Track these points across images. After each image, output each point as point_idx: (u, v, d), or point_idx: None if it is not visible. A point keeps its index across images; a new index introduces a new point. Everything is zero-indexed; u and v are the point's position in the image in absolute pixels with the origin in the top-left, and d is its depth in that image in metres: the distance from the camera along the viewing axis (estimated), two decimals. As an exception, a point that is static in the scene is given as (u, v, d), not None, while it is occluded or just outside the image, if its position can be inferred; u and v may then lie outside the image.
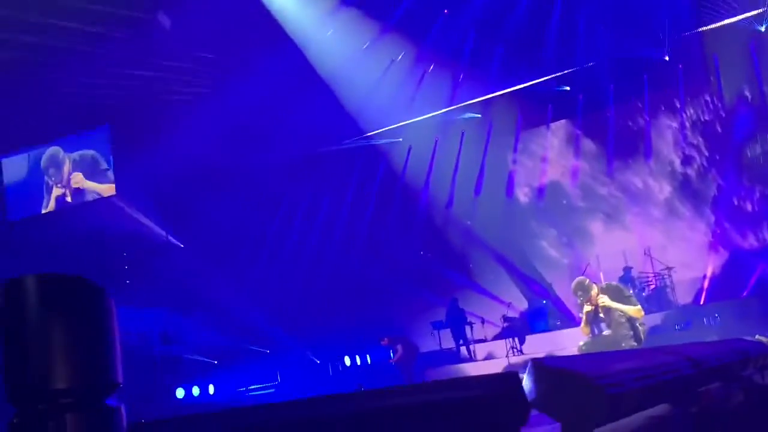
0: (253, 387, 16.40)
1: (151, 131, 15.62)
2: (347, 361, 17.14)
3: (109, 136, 16.06)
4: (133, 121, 15.87)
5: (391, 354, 15.35)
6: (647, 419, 2.59)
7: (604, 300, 7.85)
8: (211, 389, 15.33)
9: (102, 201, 16.10)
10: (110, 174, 15.97)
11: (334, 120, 17.88)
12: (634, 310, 7.87)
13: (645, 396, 2.50)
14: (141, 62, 15.05)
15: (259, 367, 16.69)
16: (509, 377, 1.74)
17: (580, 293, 8.08)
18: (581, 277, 8.35)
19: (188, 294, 16.07)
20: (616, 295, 7.96)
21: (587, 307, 7.98)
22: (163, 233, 17.50)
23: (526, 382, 2.00)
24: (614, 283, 8.49)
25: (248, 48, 15.46)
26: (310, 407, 1.39)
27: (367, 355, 17.32)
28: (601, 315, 7.93)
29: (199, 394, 15.01)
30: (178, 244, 17.90)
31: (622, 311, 7.82)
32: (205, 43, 15.14)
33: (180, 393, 14.74)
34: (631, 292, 8.70)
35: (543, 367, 2.05)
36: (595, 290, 7.99)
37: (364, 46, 16.86)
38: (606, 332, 7.90)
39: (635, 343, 7.75)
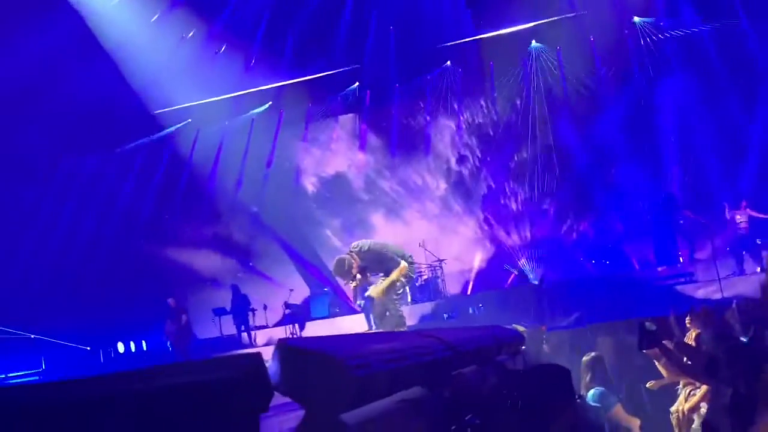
0: (12, 375, 15.13)
1: None
2: (121, 347, 16.33)
3: None
4: None
5: (170, 322, 14.71)
6: (398, 402, 2.48)
7: (377, 297, 7.96)
8: (-37, 378, 13.99)
9: None
10: None
11: (118, 95, 16.92)
12: (397, 273, 7.87)
13: (397, 378, 2.38)
14: None
15: (21, 354, 15.43)
16: (251, 357, 1.60)
17: (340, 279, 8.20)
18: (338, 259, 7.98)
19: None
20: (376, 257, 7.91)
21: (353, 284, 8.05)
22: None
23: (272, 364, 1.87)
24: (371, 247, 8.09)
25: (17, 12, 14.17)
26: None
27: (143, 341, 16.60)
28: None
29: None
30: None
31: (390, 285, 7.89)
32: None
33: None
34: (390, 245, 8.33)
35: (288, 347, 1.94)
36: (354, 267, 7.83)
37: (153, 19, 16.15)
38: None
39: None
